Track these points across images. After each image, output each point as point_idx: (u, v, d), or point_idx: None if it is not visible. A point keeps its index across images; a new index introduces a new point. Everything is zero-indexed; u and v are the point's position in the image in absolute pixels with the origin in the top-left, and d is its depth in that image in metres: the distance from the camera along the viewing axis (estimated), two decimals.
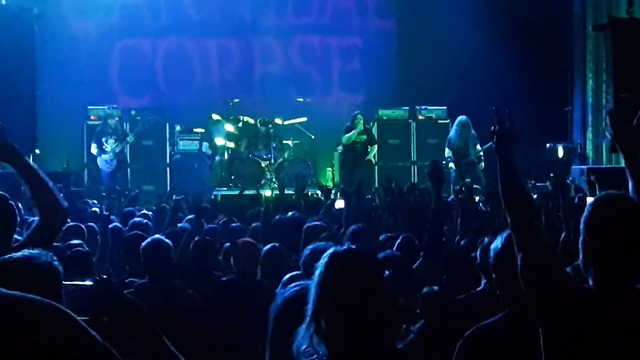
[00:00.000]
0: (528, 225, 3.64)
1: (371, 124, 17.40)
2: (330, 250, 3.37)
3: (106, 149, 16.32)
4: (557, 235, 6.51)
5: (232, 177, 16.95)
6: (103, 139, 16.39)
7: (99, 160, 16.38)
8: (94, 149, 16.41)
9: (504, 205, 3.73)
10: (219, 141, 17.24)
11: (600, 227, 3.50)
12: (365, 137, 16.70)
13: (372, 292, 3.26)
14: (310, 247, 5.22)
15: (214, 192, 16.39)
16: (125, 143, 16.47)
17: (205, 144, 17.39)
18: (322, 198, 12.74)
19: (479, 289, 4.87)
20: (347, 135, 16.61)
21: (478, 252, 4.77)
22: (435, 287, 5.17)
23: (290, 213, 8.83)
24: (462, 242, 7.23)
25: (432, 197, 6.43)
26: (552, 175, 10.87)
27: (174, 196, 11.77)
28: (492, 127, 3.88)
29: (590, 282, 3.51)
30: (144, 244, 6.23)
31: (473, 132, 16.17)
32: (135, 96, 18.70)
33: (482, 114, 16.45)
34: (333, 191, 16.19)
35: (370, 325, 3.21)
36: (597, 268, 3.50)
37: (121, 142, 16.39)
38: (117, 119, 16.83)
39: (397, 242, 6.67)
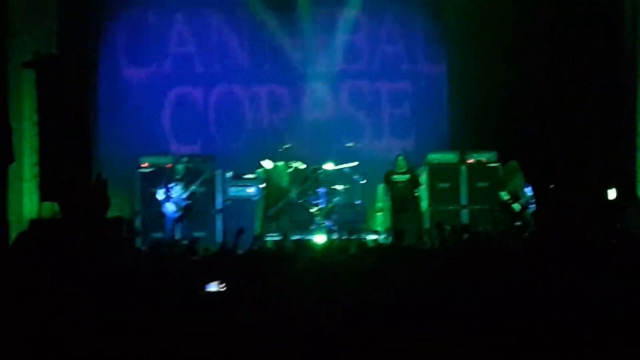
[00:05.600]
0: None
1: (421, 168, 17.41)
2: None
3: (173, 195, 16.46)
4: None
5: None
6: (170, 185, 16.54)
7: (165, 207, 16.56)
8: (160, 195, 16.55)
9: None
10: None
11: None
12: (408, 176, 16.63)
13: None
14: None
15: (265, 238, 16.47)
16: (190, 191, 16.54)
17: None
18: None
19: None
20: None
21: None
22: None
23: None
24: None
25: None
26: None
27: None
28: None
29: None
30: None
31: (522, 175, 16.16)
32: (187, 143, 18.89)
33: (531, 158, 16.53)
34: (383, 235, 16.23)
35: None
36: None
37: (187, 189, 16.52)
38: (168, 166, 17.05)
39: None
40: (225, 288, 7.44)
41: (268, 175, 17.29)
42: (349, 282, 7.51)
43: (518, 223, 15.31)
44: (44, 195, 15.41)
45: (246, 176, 17.73)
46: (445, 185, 17.55)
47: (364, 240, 13.84)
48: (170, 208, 16.48)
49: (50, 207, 15.47)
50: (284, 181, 17.27)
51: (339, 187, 17.62)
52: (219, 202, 17.40)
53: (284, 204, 17.06)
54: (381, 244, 13.86)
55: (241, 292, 7.32)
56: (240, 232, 9.96)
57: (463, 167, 17.60)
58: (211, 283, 7.47)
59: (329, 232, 16.37)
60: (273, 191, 17.20)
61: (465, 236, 9.66)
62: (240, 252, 9.99)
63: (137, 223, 17.10)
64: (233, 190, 17.62)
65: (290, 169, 17.53)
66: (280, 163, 17.37)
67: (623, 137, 17.12)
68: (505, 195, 16.37)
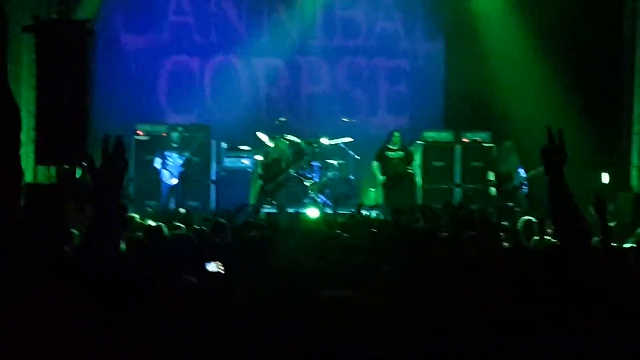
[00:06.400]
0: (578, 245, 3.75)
1: (415, 146, 17.45)
2: None
3: (169, 163, 16.57)
4: None
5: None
6: (166, 153, 16.63)
7: (162, 175, 16.64)
8: (157, 163, 16.64)
9: (554, 225, 3.81)
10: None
11: None
12: (402, 153, 16.61)
13: None
14: None
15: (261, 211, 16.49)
16: (185, 158, 16.63)
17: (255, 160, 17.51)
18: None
19: None
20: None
21: None
22: None
23: None
24: None
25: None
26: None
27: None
28: (543, 146, 3.90)
29: None
30: None
31: (517, 157, 16.19)
32: (183, 113, 18.91)
33: (526, 139, 16.57)
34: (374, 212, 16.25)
35: None
36: None
37: (182, 157, 16.61)
38: (164, 134, 17.09)
39: None
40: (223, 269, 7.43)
41: (268, 150, 17.22)
42: (343, 257, 7.57)
43: (511, 204, 15.35)
44: (40, 159, 15.43)
45: (241, 147, 17.77)
46: (440, 163, 17.62)
47: (357, 215, 13.86)
48: (166, 176, 16.58)
49: (46, 173, 15.50)
50: (285, 157, 17.19)
51: (334, 162, 17.67)
52: (213, 173, 17.45)
53: (283, 180, 17.05)
54: (374, 220, 13.88)
55: (235, 269, 7.32)
56: (241, 207, 10.01)
57: (458, 146, 17.67)
58: (210, 263, 7.46)
59: (322, 206, 16.41)
60: (272, 166, 17.17)
61: (463, 213, 9.74)
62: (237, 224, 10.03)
63: (131, 190, 17.13)
64: (228, 161, 17.68)
65: (289, 144, 17.50)
66: (282, 138, 17.23)
67: (619, 121, 17.20)
68: (490, 176, 16.30)
